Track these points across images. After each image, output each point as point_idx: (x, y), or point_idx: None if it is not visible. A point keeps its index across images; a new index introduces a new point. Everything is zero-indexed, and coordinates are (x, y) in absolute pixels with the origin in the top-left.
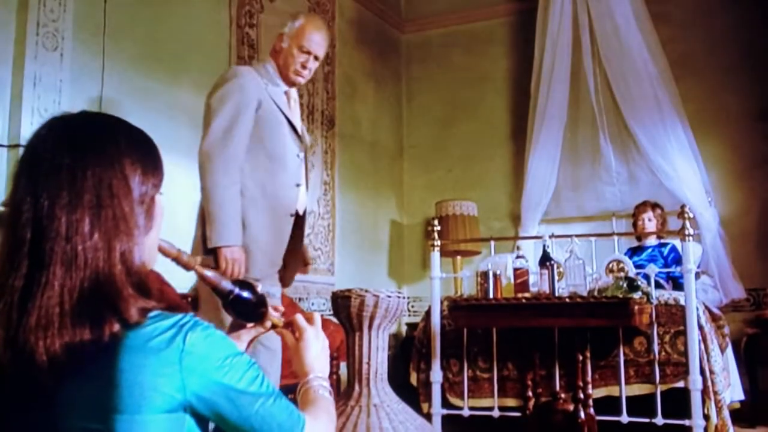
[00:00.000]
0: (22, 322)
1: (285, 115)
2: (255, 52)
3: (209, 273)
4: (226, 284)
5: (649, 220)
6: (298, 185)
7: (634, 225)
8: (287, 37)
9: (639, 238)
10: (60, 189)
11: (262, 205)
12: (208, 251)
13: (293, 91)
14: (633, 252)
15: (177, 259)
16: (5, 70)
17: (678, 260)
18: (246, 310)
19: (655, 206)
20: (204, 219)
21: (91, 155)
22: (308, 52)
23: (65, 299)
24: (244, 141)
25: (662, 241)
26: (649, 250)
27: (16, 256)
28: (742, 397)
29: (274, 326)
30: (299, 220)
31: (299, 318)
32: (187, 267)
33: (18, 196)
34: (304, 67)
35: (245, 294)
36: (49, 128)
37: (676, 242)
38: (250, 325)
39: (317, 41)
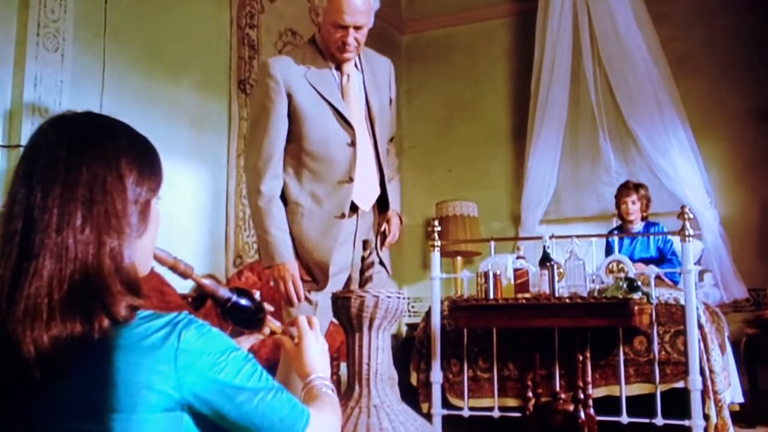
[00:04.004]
0: (10, 312)
1: (328, 100)
2: (255, 52)
3: (206, 281)
4: (224, 292)
5: (633, 203)
6: (350, 180)
7: (617, 207)
8: (321, 12)
9: (623, 219)
10: (54, 181)
11: (308, 211)
12: None
13: (348, 66)
14: (620, 232)
15: (173, 268)
16: (6, 71)
17: (669, 245)
18: (244, 317)
19: (638, 187)
20: None
21: (88, 151)
22: (345, 27)
23: (54, 290)
24: (275, 144)
25: (649, 221)
26: (639, 237)
27: (6, 246)
28: (741, 399)
29: (272, 332)
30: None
31: (302, 320)
32: (184, 275)
33: (14, 188)
34: (344, 43)
35: (243, 301)
36: (52, 124)
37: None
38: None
39: (352, 11)
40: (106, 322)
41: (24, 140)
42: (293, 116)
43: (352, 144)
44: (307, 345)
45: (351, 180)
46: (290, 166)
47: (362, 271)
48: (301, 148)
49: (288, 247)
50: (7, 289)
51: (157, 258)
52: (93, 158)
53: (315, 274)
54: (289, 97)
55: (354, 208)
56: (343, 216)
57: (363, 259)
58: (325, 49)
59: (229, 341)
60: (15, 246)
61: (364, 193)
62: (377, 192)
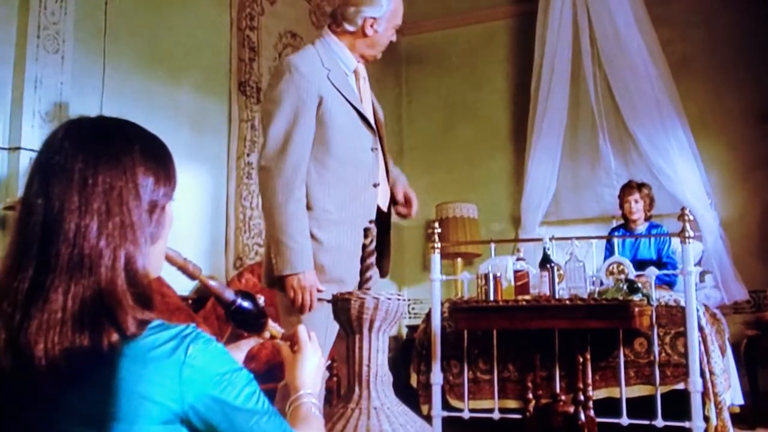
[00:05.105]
0: (24, 325)
1: (352, 104)
2: (255, 54)
3: (212, 283)
4: (229, 294)
5: (636, 202)
6: (375, 185)
7: (621, 206)
8: (383, 21)
9: (626, 218)
10: (71, 194)
11: (335, 217)
12: (274, 280)
13: (362, 67)
14: (623, 231)
15: (183, 268)
16: (6, 73)
17: (666, 246)
18: (247, 320)
19: (641, 186)
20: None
21: (104, 161)
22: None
23: (68, 305)
24: (306, 147)
25: (653, 222)
26: (643, 239)
27: (23, 257)
28: (742, 401)
29: (272, 337)
30: (385, 219)
31: (302, 330)
32: (192, 276)
33: (30, 196)
34: (390, 42)
35: (246, 304)
36: (66, 131)
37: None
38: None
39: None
40: (115, 337)
41: (24, 142)
42: (321, 119)
43: (375, 149)
44: (305, 356)
45: (377, 185)
46: (314, 171)
47: (363, 259)
48: (328, 152)
49: (310, 255)
50: (22, 302)
51: (167, 258)
52: (108, 169)
53: (344, 278)
54: (320, 99)
55: None
56: (372, 221)
57: (364, 246)
58: (365, 50)
59: (233, 360)
60: (32, 258)
61: (384, 196)
62: (389, 193)
